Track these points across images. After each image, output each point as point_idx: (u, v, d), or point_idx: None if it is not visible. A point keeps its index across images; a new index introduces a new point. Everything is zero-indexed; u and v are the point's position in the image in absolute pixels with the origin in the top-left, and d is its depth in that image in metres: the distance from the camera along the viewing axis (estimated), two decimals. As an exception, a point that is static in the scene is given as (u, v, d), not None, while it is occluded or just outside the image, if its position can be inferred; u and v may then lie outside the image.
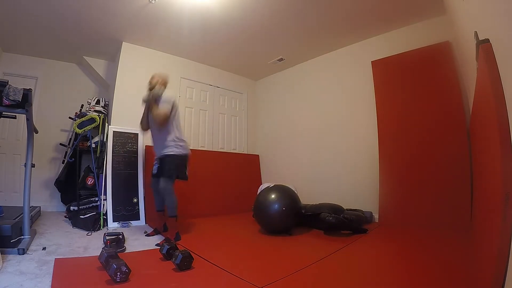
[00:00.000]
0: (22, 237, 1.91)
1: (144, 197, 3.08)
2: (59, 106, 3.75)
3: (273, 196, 2.53)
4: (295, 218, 2.54)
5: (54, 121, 3.70)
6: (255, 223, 2.74)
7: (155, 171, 2.40)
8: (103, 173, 2.94)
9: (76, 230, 2.54)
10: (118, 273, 1.35)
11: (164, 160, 2.34)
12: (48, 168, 3.65)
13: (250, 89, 4.92)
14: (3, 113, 1.89)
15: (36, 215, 2.89)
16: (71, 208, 2.88)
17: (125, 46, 3.45)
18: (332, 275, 1.55)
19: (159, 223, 2.55)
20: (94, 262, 1.68)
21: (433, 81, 2.72)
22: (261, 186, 4.00)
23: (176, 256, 1.57)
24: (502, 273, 0.89)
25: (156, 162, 2.43)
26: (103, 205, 2.78)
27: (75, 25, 2.99)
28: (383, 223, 2.81)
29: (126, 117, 3.31)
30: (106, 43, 3.42)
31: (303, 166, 3.95)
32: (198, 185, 3.59)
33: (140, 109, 3.53)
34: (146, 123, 2.49)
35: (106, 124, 3.18)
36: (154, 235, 2.42)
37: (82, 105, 3.73)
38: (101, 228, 2.63)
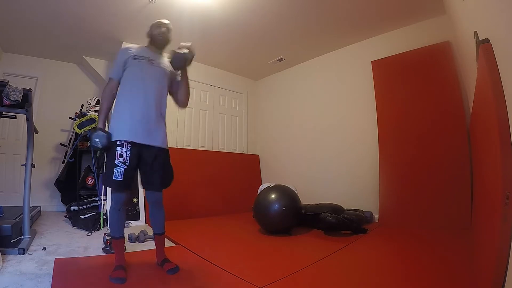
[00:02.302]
0: (22, 237, 1.91)
1: (144, 197, 3.08)
2: (59, 106, 3.75)
3: (273, 196, 2.52)
4: (295, 218, 2.54)
5: (54, 121, 3.70)
6: (255, 223, 2.74)
7: (119, 177, 1.42)
8: (103, 173, 2.94)
9: (76, 230, 2.54)
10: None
11: (161, 157, 1.57)
12: (48, 168, 3.66)
13: (250, 89, 4.92)
14: (3, 113, 1.89)
15: (36, 215, 2.89)
16: (71, 208, 2.88)
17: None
18: (332, 275, 1.55)
19: (122, 254, 1.56)
20: (94, 262, 1.68)
21: (433, 81, 2.72)
22: (261, 186, 4.00)
23: None
24: (502, 273, 0.89)
25: (126, 157, 1.44)
26: (103, 205, 2.78)
27: (75, 25, 2.99)
28: (383, 223, 2.81)
29: (126, 117, 3.32)
30: (106, 43, 3.42)
31: (303, 166, 3.95)
32: (198, 185, 3.59)
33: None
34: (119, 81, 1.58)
35: (106, 124, 3.18)
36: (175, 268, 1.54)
37: (82, 105, 3.73)
38: (101, 228, 2.63)
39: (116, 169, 1.43)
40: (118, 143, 1.46)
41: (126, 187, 1.49)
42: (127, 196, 1.55)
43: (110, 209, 1.55)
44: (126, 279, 1.38)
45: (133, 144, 1.48)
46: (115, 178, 1.43)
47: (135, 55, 1.57)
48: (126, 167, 1.45)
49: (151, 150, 1.54)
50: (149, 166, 1.54)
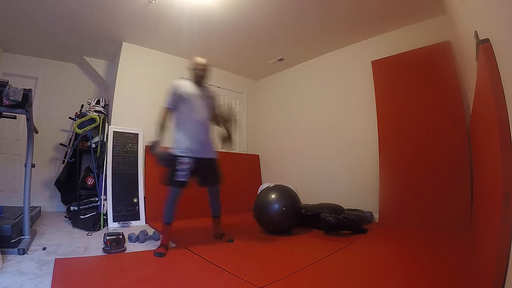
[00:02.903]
0: (22, 237, 1.90)
1: (144, 197, 3.08)
2: (59, 106, 3.75)
3: (273, 196, 2.53)
4: (295, 218, 2.54)
5: (54, 121, 3.70)
6: (255, 223, 2.74)
7: (181, 177, 1.98)
8: (103, 173, 2.94)
9: (76, 230, 2.54)
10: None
11: (212, 164, 2.21)
12: (48, 168, 3.65)
13: (250, 89, 4.92)
14: (3, 113, 1.89)
15: (36, 215, 2.89)
16: (71, 208, 2.88)
17: (125, 46, 3.45)
18: (332, 275, 1.55)
19: (168, 236, 2.05)
20: (94, 262, 1.69)
21: (433, 81, 2.72)
22: (261, 186, 4.00)
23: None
24: (502, 273, 0.89)
25: (187, 165, 2.02)
26: (103, 205, 2.78)
27: (75, 25, 2.99)
28: (383, 223, 2.81)
29: (126, 117, 3.32)
30: (106, 43, 3.42)
31: (303, 166, 3.95)
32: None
33: (141, 108, 3.52)
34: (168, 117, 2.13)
35: (106, 124, 3.18)
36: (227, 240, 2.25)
37: (82, 105, 3.73)
38: (101, 228, 2.63)
39: (180, 172, 1.97)
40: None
41: (186, 185, 2.03)
42: (175, 194, 2.02)
43: (168, 200, 2.01)
44: (165, 255, 1.80)
45: (191, 157, 2.03)
46: (179, 179, 1.97)
47: (188, 92, 2.10)
48: (189, 171, 1.99)
49: (205, 160, 2.10)
50: (203, 172, 2.10)
